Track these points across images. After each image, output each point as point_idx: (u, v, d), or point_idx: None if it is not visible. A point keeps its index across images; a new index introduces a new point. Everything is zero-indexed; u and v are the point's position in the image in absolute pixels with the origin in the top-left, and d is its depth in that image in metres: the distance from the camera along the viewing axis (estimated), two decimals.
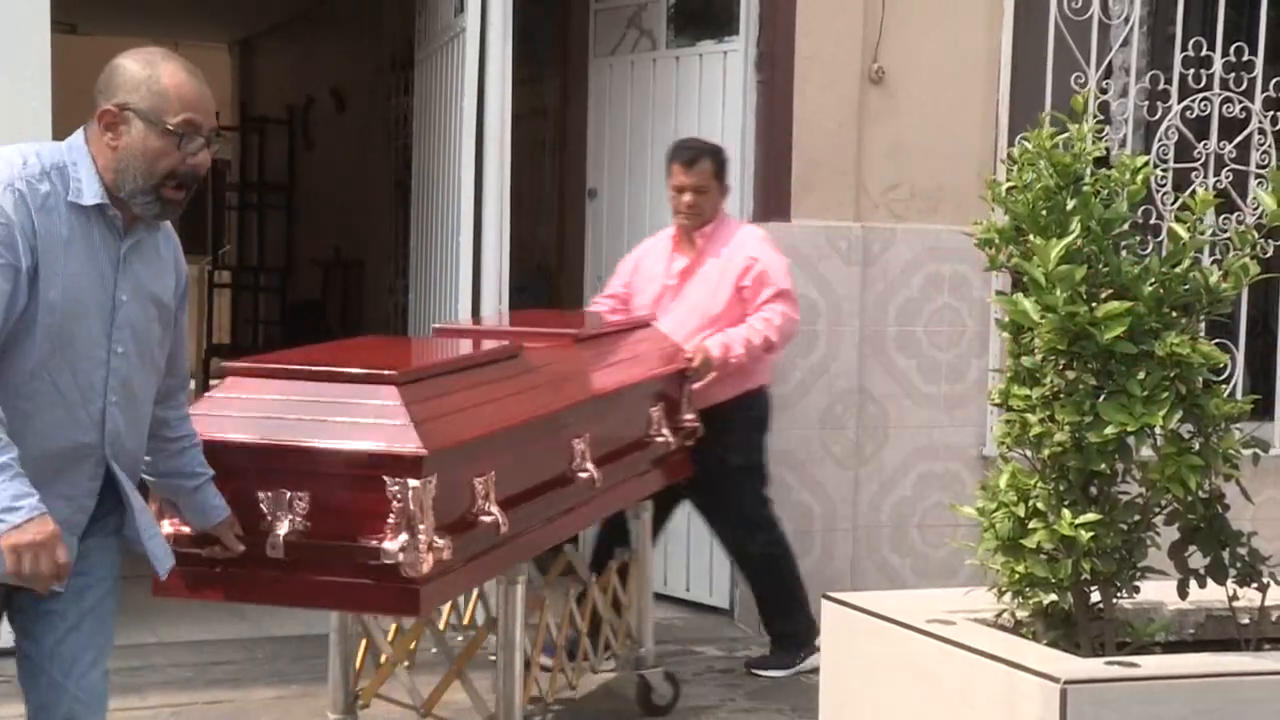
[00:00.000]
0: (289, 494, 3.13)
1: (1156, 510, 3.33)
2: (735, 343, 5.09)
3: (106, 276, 2.75)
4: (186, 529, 3.14)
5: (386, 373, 3.33)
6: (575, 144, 7.42)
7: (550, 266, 8.52)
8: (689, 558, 6.26)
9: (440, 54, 6.16)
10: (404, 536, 3.04)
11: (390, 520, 3.06)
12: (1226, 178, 6.25)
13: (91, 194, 2.71)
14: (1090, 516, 3.18)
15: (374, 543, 3.07)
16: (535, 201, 8.25)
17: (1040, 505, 3.28)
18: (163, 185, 2.75)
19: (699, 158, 5.35)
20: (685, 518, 6.24)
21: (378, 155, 9.91)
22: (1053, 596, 3.35)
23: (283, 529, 3.10)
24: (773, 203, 5.97)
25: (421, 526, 3.06)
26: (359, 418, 3.22)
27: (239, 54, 14.00)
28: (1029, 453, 3.36)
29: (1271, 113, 6.40)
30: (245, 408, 3.29)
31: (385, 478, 3.08)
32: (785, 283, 5.24)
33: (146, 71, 2.77)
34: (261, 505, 3.14)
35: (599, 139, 6.74)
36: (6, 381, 2.66)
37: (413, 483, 3.06)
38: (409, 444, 3.11)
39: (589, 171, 6.83)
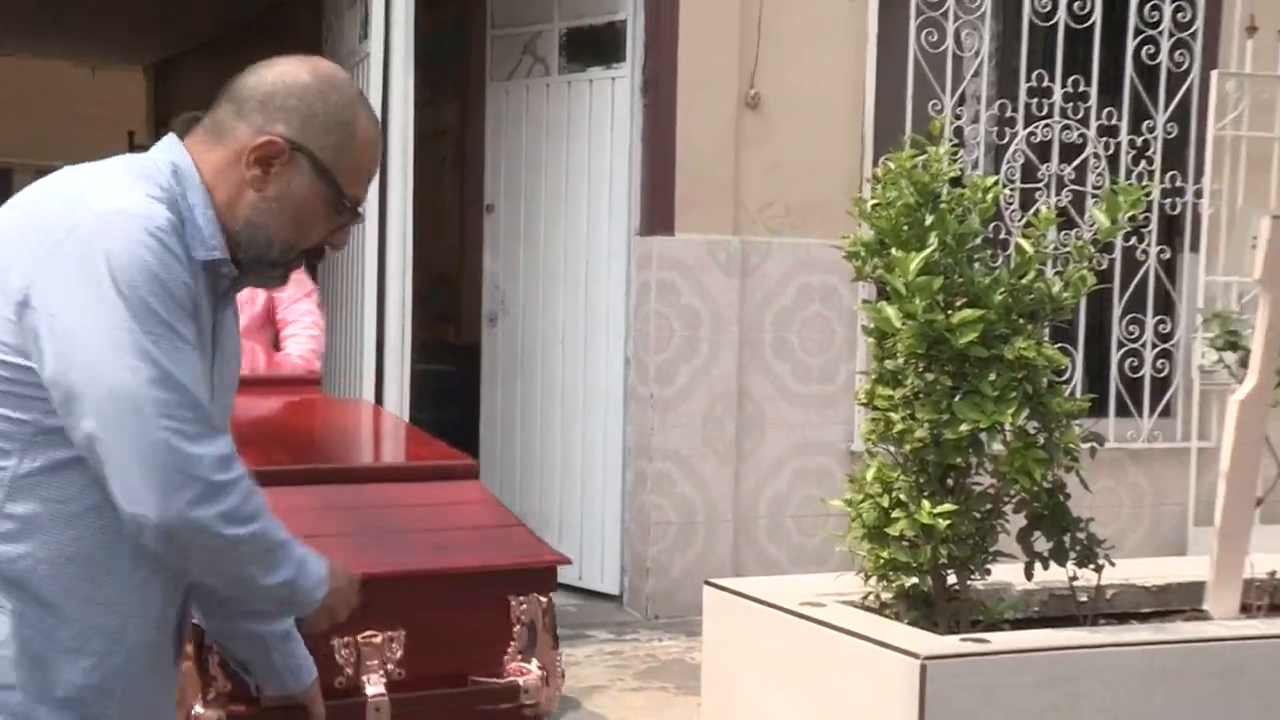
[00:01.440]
0: (380, 637, 2.17)
1: (1006, 499, 3.37)
2: (311, 358, 4.50)
3: (205, 355, 1.84)
4: (233, 708, 2.14)
5: (461, 465, 2.53)
6: (474, 162, 7.38)
7: (451, 275, 8.48)
8: (582, 547, 6.26)
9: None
10: (536, 666, 2.25)
11: (513, 647, 2.25)
12: (1066, 197, 6.36)
13: (207, 244, 1.80)
14: (947, 506, 3.20)
15: (500, 680, 2.23)
16: (437, 215, 8.19)
17: (902, 496, 3.30)
18: (296, 258, 1.92)
19: None
20: (578, 508, 6.26)
21: None
22: (914, 579, 3.38)
23: (376, 684, 2.14)
24: (658, 218, 5.99)
25: (556, 652, 2.30)
26: (449, 525, 2.37)
27: (154, 76, 13.74)
28: (892, 448, 3.37)
29: (1104, 139, 6.52)
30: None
31: (510, 597, 2.25)
32: (309, 282, 4.67)
33: (346, 113, 1.89)
34: (337, 657, 2.15)
35: (496, 158, 6.72)
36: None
37: (542, 599, 2.27)
38: (538, 551, 2.33)
39: (487, 188, 6.80)
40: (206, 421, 1.70)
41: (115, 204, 1.71)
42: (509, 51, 6.63)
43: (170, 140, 1.91)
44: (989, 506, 3.34)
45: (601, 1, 6.18)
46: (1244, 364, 3.79)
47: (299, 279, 4.40)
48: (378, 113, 5.46)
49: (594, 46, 6.30)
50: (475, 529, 2.37)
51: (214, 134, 1.88)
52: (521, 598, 2.26)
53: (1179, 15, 6.59)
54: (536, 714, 2.25)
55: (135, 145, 13.03)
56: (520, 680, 2.23)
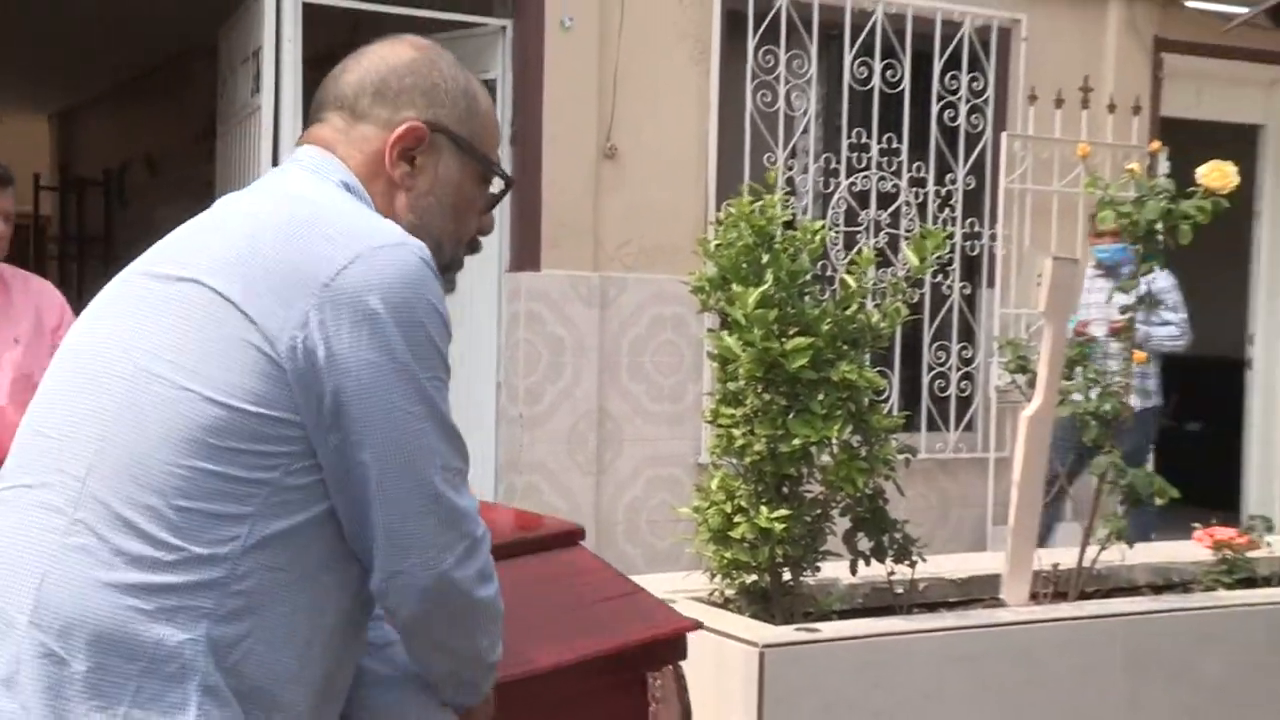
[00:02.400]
0: None
1: (833, 505, 3.38)
2: None
3: None
4: None
5: (570, 531, 1.93)
6: None
7: None
8: None
9: (240, 128, 5.96)
10: None
11: None
12: (883, 239, 6.43)
13: None
14: (782, 511, 3.20)
15: None
16: None
17: (743, 503, 3.30)
18: (462, 254, 1.57)
19: (11, 179, 3.47)
20: None
21: (187, 214, 9.48)
22: (753, 577, 3.37)
23: None
24: (526, 256, 5.96)
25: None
26: (576, 603, 1.78)
27: (59, 123, 13.27)
28: (734, 460, 3.36)
29: (914, 189, 6.63)
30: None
31: (649, 674, 1.71)
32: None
33: (462, 78, 1.51)
34: None
35: None
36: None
37: (674, 669, 1.75)
38: (669, 618, 1.78)
39: None
40: (466, 470, 1.43)
41: (381, 236, 1.37)
42: None
43: (319, 154, 1.47)
44: (819, 511, 3.36)
45: (474, 62, 6.12)
46: (1032, 385, 3.82)
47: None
48: (269, 160, 5.43)
49: None
50: (603, 603, 1.80)
51: (338, 145, 1.47)
52: (657, 673, 1.75)
53: (974, 84, 6.76)
54: None
55: (40, 185, 12.64)
56: None
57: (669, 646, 1.75)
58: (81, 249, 12.30)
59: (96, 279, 14.46)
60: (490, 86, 6.04)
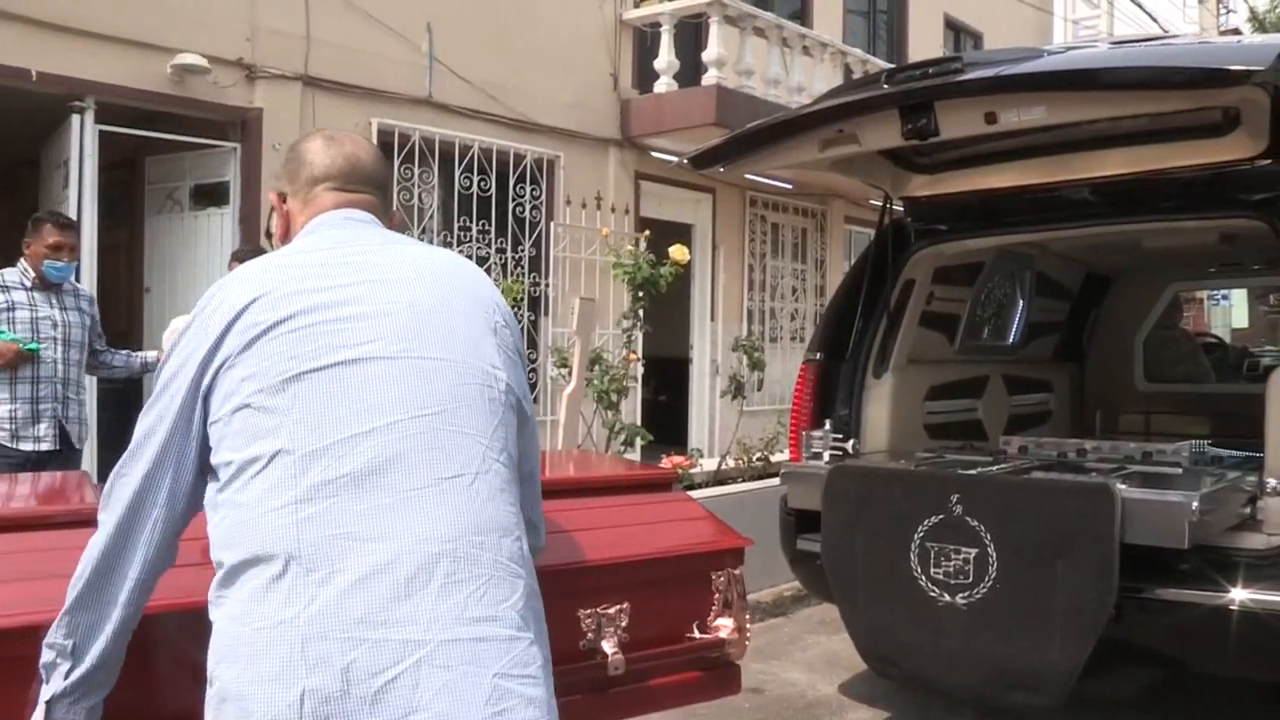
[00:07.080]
0: (611, 609, 1.54)
1: None
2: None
3: None
4: None
5: (665, 473, 1.85)
6: (138, 264, 6.74)
7: (125, 334, 7.55)
8: None
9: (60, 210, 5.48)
10: (730, 622, 1.64)
11: (714, 609, 1.63)
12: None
13: None
14: None
15: (702, 636, 1.61)
16: (115, 295, 7.32)
17: None
18: None
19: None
20: None
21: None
22: None
23: (610, 645, 1.52)
24: None
25: (746, 614, 1.67)
26: (664, 520, 1.71)
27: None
28: None
29: (500, 255, 6.59)
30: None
31: (711, 572, 1.63)
32: None
33: None
34: (581, 625, 1.52)
35: (151, 260, 6.21)
36: None
37: (735, 571, 1.66)
38: (731, 536, 1.70)
39: (146, 278, 6.28)
40: None
41: None
42: (159, 196, 6.15)
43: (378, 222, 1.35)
44: None
45: (216, 170, 5.94)
46: (569, 375, 4.08)
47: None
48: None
49: (211, 196, 5.99)
50: (684, 522, 1.72)
51: (380, 215, 1.36)
52: (720, 572, 1.64)
53: (534, 192, 6.65)
54: (732, 660, 1.66)
55: None
56: (718, 634, 1.62)
57: (729, 555, 1.67)
58: None
59: None
60: (225, 186, 5.87)
